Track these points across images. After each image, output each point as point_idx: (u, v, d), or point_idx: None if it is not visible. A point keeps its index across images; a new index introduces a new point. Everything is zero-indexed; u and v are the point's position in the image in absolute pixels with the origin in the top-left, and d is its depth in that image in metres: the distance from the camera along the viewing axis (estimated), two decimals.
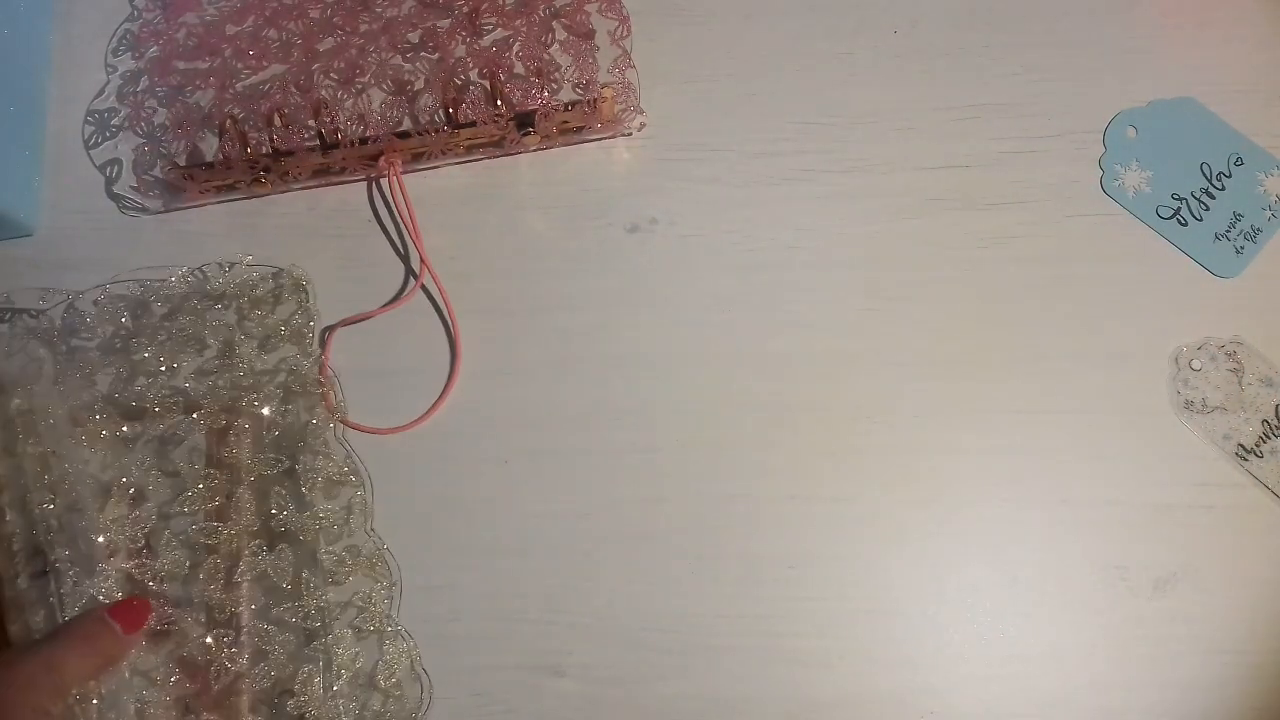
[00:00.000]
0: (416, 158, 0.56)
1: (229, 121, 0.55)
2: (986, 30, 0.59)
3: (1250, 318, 0.54)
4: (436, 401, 0.53)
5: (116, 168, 0.58)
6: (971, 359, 0.54)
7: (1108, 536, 0.51)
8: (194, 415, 0.52)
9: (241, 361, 0.53)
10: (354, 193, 0.57)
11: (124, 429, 0.52)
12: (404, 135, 0.55)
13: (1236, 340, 0.53)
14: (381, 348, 0.55)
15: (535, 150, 0.57)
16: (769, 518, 0.51)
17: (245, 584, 0.50)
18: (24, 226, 0.57)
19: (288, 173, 0.56)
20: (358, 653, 0.50)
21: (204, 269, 0.55)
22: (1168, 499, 0.52)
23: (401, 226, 0.56)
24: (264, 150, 0.55)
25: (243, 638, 0.49)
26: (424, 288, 0.55)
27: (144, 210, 0.57)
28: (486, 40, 0.58)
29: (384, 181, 0.57)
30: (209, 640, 0.49)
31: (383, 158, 0.55)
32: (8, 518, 0.48)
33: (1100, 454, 0.52)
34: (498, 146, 0.56)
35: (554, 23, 0.58)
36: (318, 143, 0.55)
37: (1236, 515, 0.51)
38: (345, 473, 0.52)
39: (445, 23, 0.58)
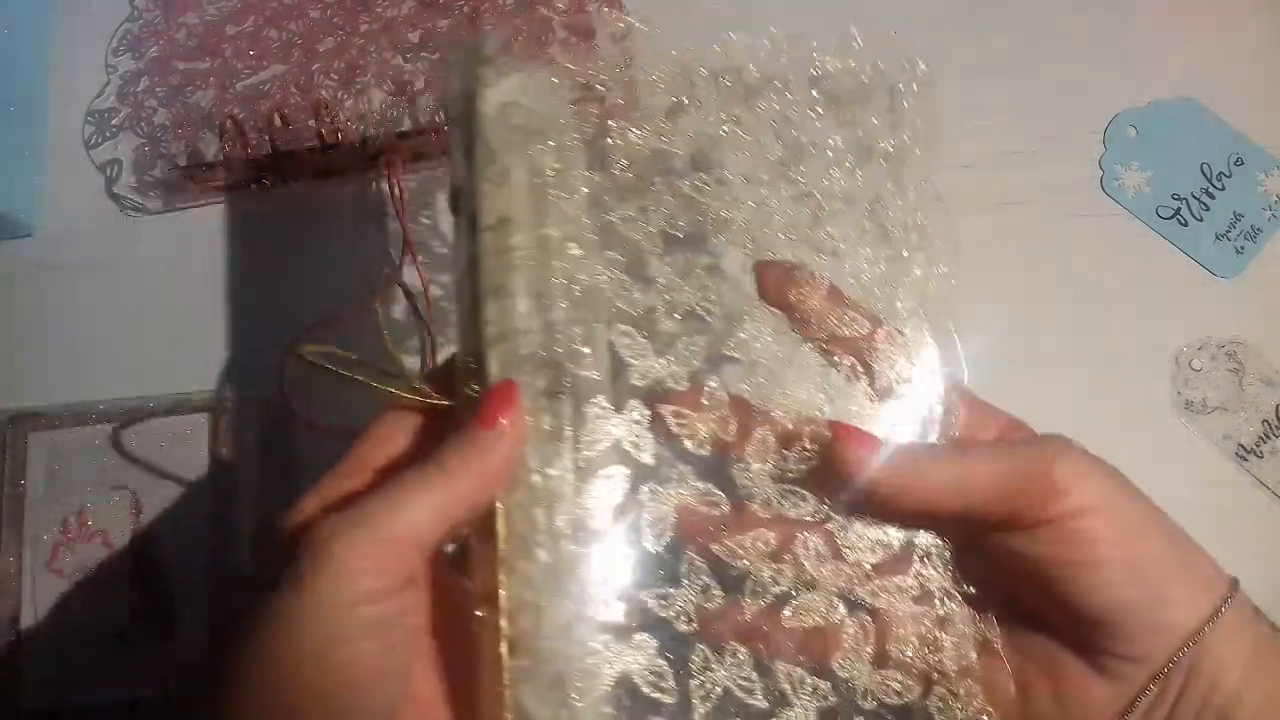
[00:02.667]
0: (416, 158, 0.56)
1: (229, 121, 0.55)
2: (986, 30, 0.59)
3: (1250, 318, 0.54)
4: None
5: (116, 168, 0.58)
6: (971, 359, 0.54)
7: None
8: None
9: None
10: (354, 193, 0.57)
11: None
12: (404, 135, 0.55)
13: (1236, 340, 0.53)
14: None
15: None
16: None
17: None
18: (24, 226, 0.57)
19: (288, 173, 0.56)
20: None
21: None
22: (1167, 499, 0.51)
23: (404, 227, 0.56)
24: (264, 150, 0.55)
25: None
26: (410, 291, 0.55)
27: (144, 210, 0.57)
28: None
29: (384, 181, 0.57)
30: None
31: (383, 158, 0.55)
32: (521, 308, 0.35)
33: (1100, 454, 0.52)
34: None
35: (554, 23, 0.58)
36: (318, 143, 0.55)
37: (1236, 515, 0.51)
38: None
39: (445, 23, 0.58)
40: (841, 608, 0.36)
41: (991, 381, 0.52)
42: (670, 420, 0.37)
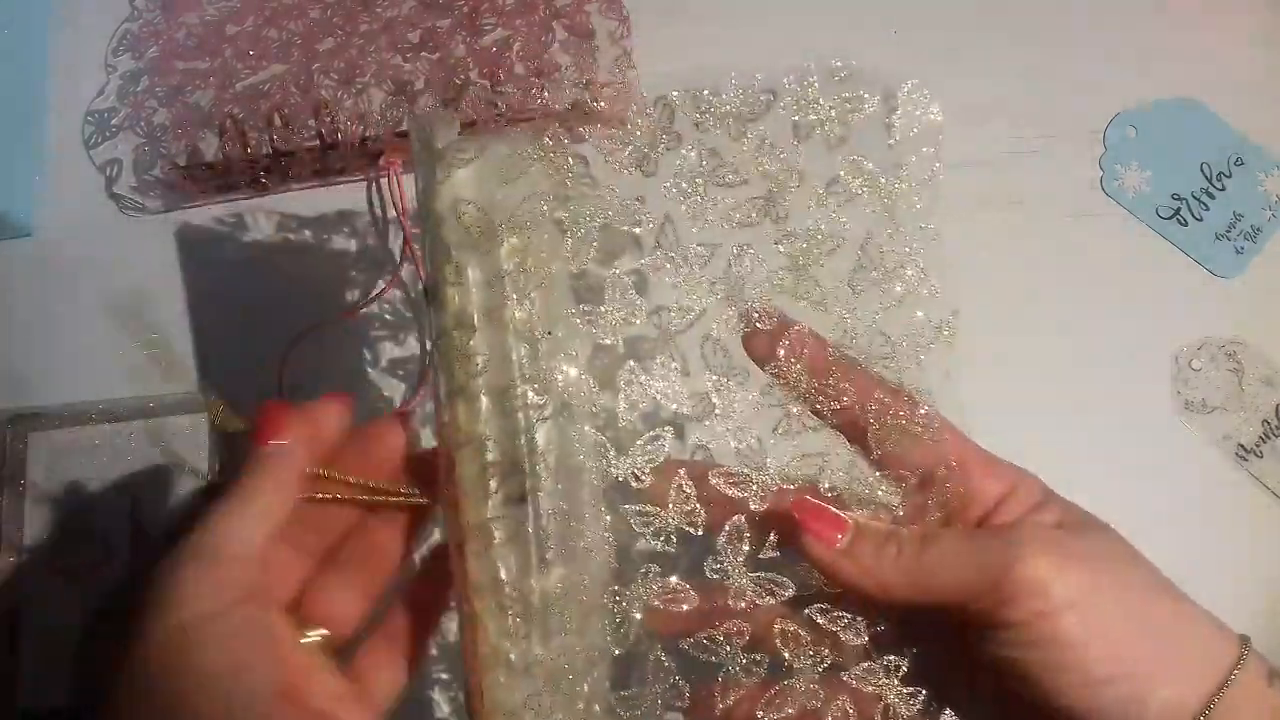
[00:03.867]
0: None
1: (229, 121, 0.55)
2: (986, 30, 0.59)
3: (1250, 318, 0.54)
4: (404, 406, 0.53)
5: (116, 168, 0.58)
6: (971, 359, 0.54)
7: None
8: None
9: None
10: (354, 193, 0.57)
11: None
12: (404, 135, 0.55)
13: (1236, 340, 0.53)
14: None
15: None
16: None
17: None
18: (24, 226, 0.57)
19: (288, 173, 0.56)
20: None
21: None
22: (1168, 499, 0.52)
23: (403, 227, 0.56)
24: (264, 150, 0.55)
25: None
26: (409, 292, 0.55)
27: (144, 210, 0.57)
28: (486, 40, 0.57)
29: (384, 181, 0.57)
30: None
31: (383, 158, 0.55)
32: (484, 412, 0.35)
33: (1100, 454, 0.52)
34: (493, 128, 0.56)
35: (554, 23, 0.58)
36: (318, 143, 0.55)
37: (1236, 515, 0.51)
38: None
39: (445, 23, 0.58)
40: (823, 694, 0.35)
41: (991, 383, 0.52)
42: (634, 521, 0.35)
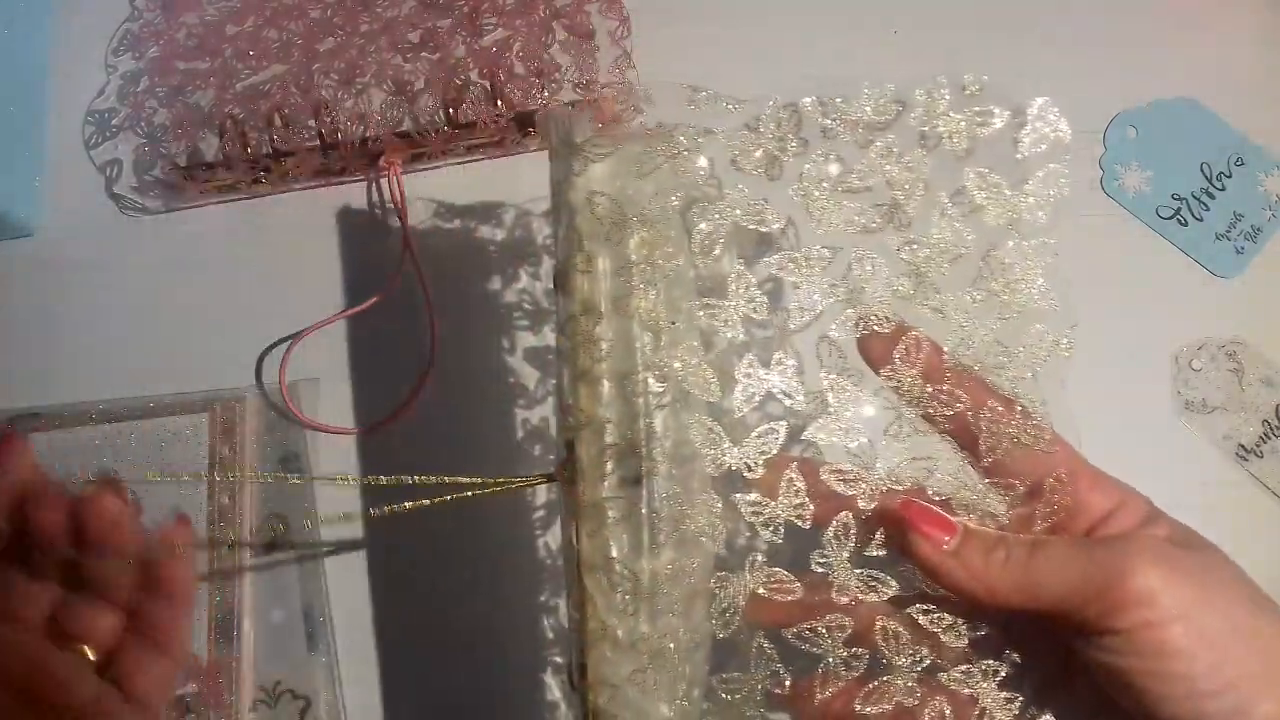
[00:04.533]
0: (416, 158, 0.56)
1: (229, 121, 0.55)
2: (986, 30, 0.59)
3: (1250, 318, 0.54)
4: (404, 403, 0.53)
5: (116, 168, 0.58)
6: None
7: None
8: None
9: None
10: (354, 193, 0.57)
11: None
12: (404, 135, 0.55)
13: (1236, 340, 0.53)
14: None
15: (536, 150, 0.57)
16: None
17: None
18: (24, 226, 0.57)
19: (288, 173, 0.56)
20: None
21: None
22: (1168, 499, 0.51)
23: (403, 227, 0.56)
24: (264, 150, 0.55)
25: None
26: (412, 289, 0.55)
27: (144, 210, 0.57)
28: (486, 40, 0.57)
29: (384, 181, 0.57)
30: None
31: (383, 158, 0.55)
32: (605, 395, 0.36)
33: (1100, 454, 0.52)
34: (498, 146, 0.56)
35: (554, 23, 0.58)
36: (318, 143, 0.55)
37: (1236, 515, 0.51)
38: None
39: (445, 23, 0.58)
40: (920, 693, 0.36)
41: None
42: (745, 509, 0.36)
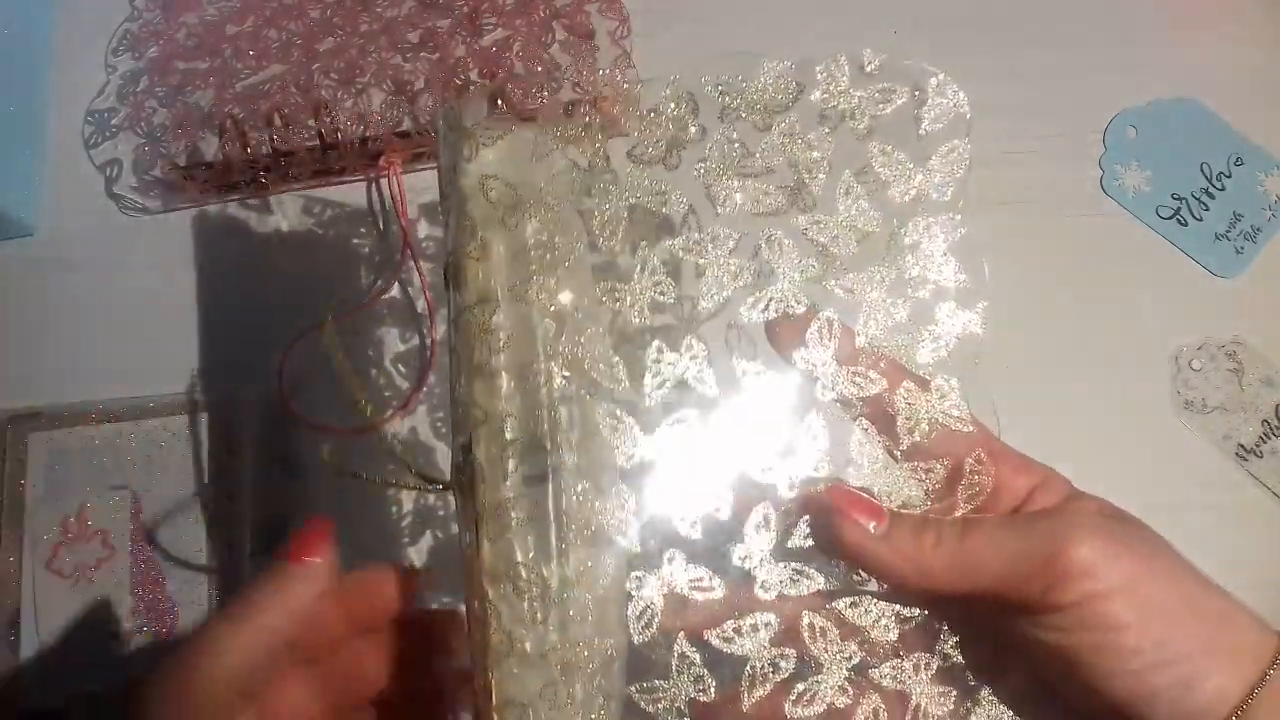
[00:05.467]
0: (416, 158, 0.56)
1: (229, 121, 0.55)
2: (986, 30, 0.59)
3: (1250, 318, 0.54)
4: (404, 403, 0.53)
5: (116, 168, 0.58)
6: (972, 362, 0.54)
7: None
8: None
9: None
10: (354, 193, 0.57)
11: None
12: (404, 135, 0.55)
13: (1236, 340, 0.53)
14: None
15: None
16: None
17: None
18: (24, 226, 0.57)
19: (288, 173, 0.56)
20: None
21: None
22: (1168, 499, 0.51)
23: (403, 227, 0.56)
24: (264, 150, 0.55)
25: None
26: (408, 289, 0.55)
27: (144, 210, 0.57)
28: (486, 40, 0.58)
29: (384, 181, 0.57)
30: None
31: (383, 158, 0.55)
32: (504, 389, 0.34)
33: (1100, 454, 0.52)
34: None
35: (554, 23, 0.58)
36: (318, 143, 0.55)
37: (1236, 515, 0.51)
38: None
39: (445, 23, 0.58)
40: (852, 691, 0.34)
41: (991, 383, 0.52)
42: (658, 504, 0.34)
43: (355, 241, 0.57)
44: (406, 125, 0.56)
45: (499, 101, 0.54)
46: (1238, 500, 0.51)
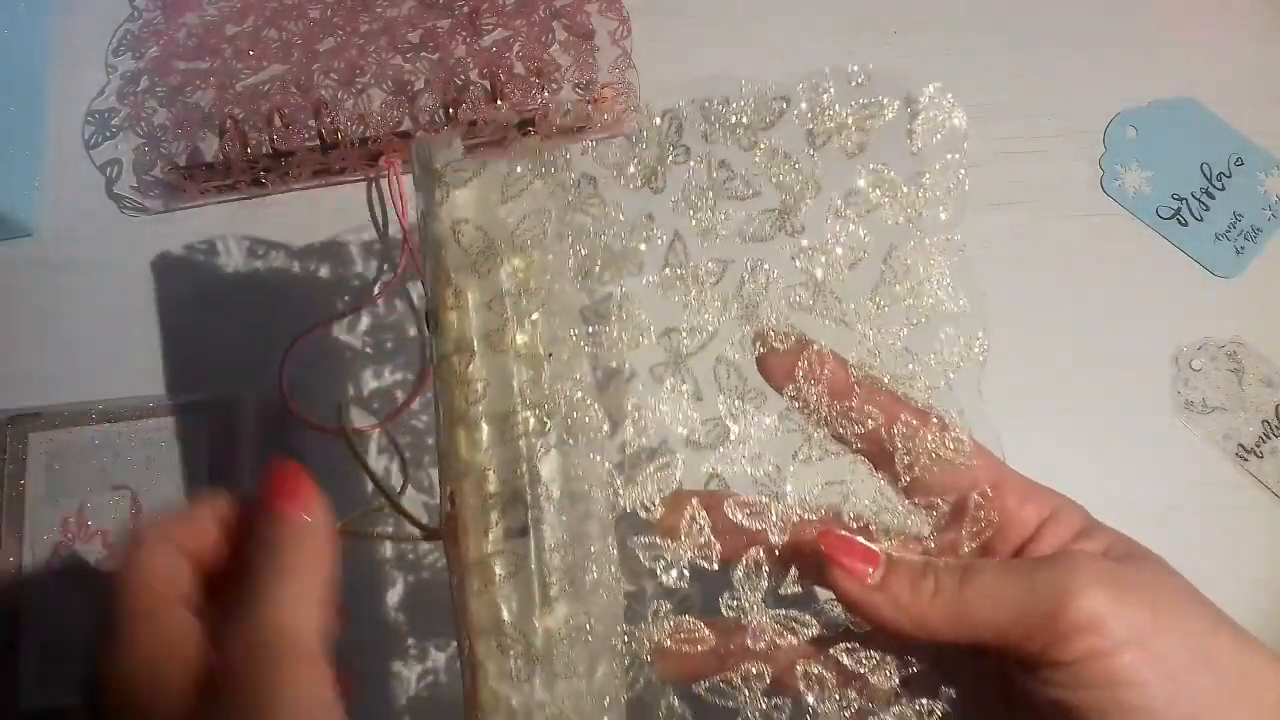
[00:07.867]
0: None
1: (229, 121, 0.55)
2: (986, 30, 0.59)
3: (1250, 318, 0.54)
4: (404, 403, 0.53)
5: (116, 168, 0.58)
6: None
7: None
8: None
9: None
10: (354, 193, 0.57)
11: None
12: (404, 135, 0.55)
13: (1236, 340, 0.53)
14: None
15: None
16: None
17: None
18: (24, 226, 0.57)
19: (288, 173, 0.56)
20: None
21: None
22: (1168, 499, 0.51)
23: (403, 227, 0.56)
24: (264, 150, 0.55)
25: None
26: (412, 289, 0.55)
27: (144, 210, 0.57)
28: (486, 40, 0.58)
29: (384, 181, 0.57)
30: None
31: (383, 158, 0.55)
32: (484, 441, 0.33)
33: (1100, 454, 0.52)
34: (498, 147, 0.56)
35: (554, 23, 0.58)
36: (318, 143, 0.55)
37: (1236, 515, 0.51)
38: None
39: (445, 23, 0.58)
40: None
41: (991, 383, 0.52)
42: (644, 554, 0.33)
43: (355, 242, 0.57)
44: (406, 125, 0.56)
45: (492, 100, 0.54)
46: (1238, 500, 0.51)
